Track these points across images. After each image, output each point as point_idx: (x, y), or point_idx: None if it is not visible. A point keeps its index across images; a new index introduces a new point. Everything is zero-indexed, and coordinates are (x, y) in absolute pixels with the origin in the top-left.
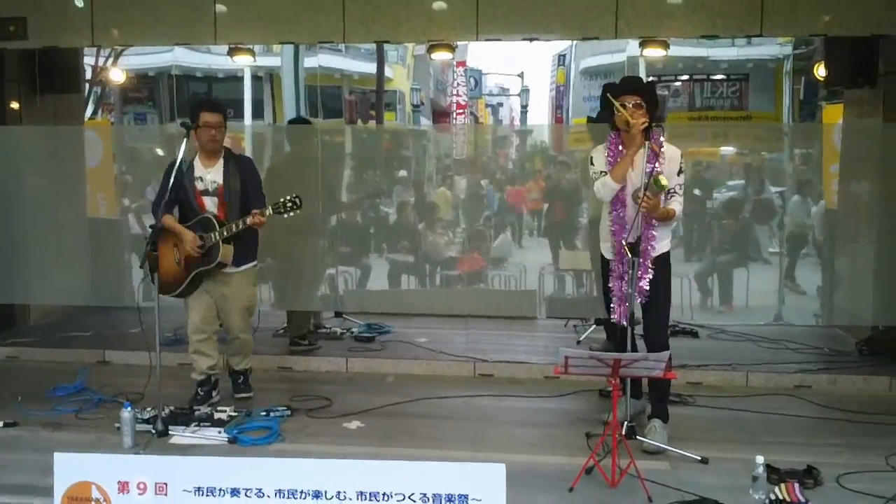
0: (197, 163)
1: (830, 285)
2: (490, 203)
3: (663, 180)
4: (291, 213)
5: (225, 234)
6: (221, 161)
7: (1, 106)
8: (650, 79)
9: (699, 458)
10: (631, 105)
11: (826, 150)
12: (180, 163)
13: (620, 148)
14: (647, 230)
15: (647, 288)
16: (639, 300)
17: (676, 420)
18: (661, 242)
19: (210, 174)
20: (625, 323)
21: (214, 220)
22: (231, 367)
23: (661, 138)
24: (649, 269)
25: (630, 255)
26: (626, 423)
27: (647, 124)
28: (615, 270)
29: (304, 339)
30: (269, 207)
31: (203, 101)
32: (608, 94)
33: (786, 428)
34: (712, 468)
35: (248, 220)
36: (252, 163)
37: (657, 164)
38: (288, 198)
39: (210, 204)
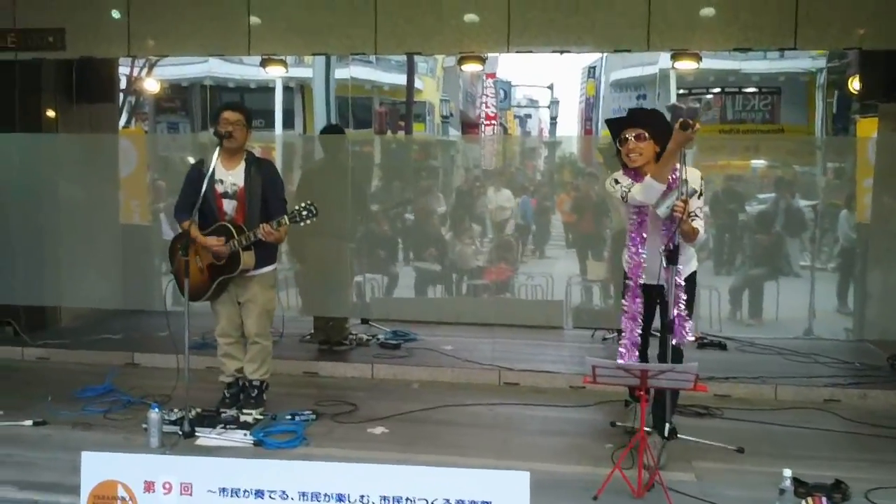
0: (218, 165)
1: (862, 300)
2: (525, 213)
3: (687, 182)
4: (308, 222)
5: (244, 242)
6: (243, 164)
7: (38, 114)
8: (681, 91)
9: (735, 449)
10: (632, 137)
11: (860, 164)
12: (212, 171)
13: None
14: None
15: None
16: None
17: (704, 432)
18: (689, 263)
19: (231, 177)
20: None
21: (233, 228)
22: (246, 376)
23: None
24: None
25: (667, 264)
26: (668, 424)
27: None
28: (628, 308)
29: (345, 339)
30: (286, 217)
31: (224, 102)
32: (618, 125)
33: (814, 442)
34: (739, 480)
35: (260, 234)
36: (274, 167)
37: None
38: (303, 205)
39: (229, 207)
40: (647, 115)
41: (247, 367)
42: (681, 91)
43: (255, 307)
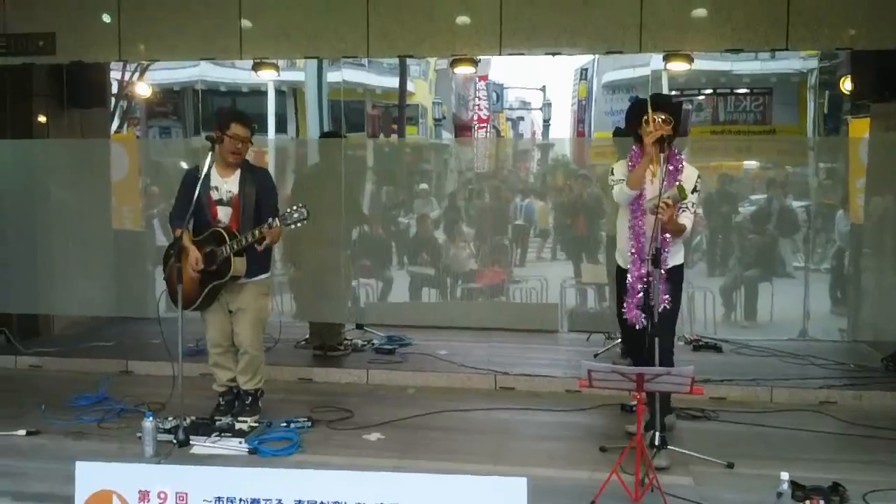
0: (213, 172)
1: (856, 300)
2: (530, 216)
3: (684, 190)
4: (299, 224)
5: (235, 247)
6: (238, 171)
7: (29, 120)
8: (674, 93)
9: (725, 464)
10: (661, 119)
11: (852, 164)
12: (206, 176)
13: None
14: (664, 245)
15: (667, 297)
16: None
17: (700, 435)
18: (676, 256)
19: (226, 184)
20: (637, 325)
21: (225, 234)
22: (239, 386)
23: (681, 156)
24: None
25: (652, 267)
26: (657, 433)
27: (662, 135)
28: (632, 275)
29: (340, 344)
30: (277, 219)
31: (236, 111)
32: (643, 107)
33: (811, 444)
34: (736, 484)
35: (250, 237)
36: (268, 174)
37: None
38: (294, 207)
39: (223, 214)
40: (672, 105)
41: (239, 377)
42: (673, 92)
43: (248, 316)
